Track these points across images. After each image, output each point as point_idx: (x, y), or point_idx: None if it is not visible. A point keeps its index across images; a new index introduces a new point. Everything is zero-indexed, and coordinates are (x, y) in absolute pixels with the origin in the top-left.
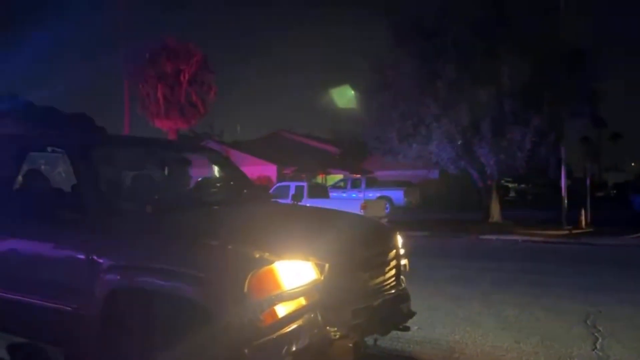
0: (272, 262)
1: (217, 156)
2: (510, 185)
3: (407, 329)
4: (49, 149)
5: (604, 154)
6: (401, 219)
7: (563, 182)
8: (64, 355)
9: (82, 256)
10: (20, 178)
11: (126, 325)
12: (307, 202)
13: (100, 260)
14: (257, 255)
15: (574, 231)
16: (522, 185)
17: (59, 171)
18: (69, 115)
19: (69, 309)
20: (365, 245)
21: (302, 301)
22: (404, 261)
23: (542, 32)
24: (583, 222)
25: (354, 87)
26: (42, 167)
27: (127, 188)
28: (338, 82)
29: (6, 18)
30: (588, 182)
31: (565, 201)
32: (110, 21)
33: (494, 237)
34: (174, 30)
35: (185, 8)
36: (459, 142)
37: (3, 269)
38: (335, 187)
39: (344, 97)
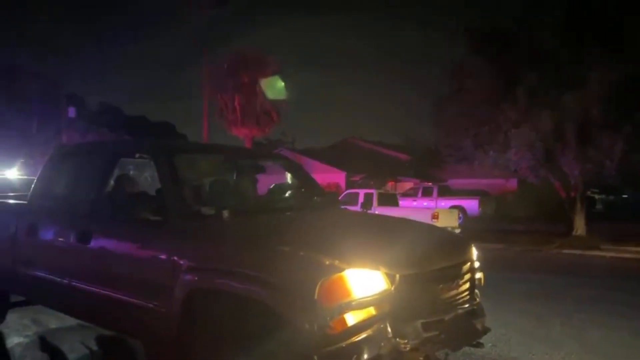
0: (342, 270)
1: (290, 163)
2: (597, 196)
3: (480, 345)
4: (137, 155)
5: None
6: (475, 230)
7: None
8: (144, 349)
9: (163, 257)
10: (112, 182)
11: (202, 325)
12: (376, 210)
13: (180, 262)
14: (328, 263)
15: None
16: (611, 197)
17: (146, 176)
18: (154, 124)
19: (151, 305)
20: (438, 256)
21: (371, 311)
22: (478, 275)
23: (635, 31)
24: None
25: (284, 79)
26: (131, 172)
27: (205, 193)
28: (409, 90)
29: (97, 33)
30: None
31: None
32: (193, 34)
33: (577, 251)
34: (251, 40)
35: (261, 18)
36: (540, 150)
37: (95, 265)
38: (405, 195)
39: (274, 88)
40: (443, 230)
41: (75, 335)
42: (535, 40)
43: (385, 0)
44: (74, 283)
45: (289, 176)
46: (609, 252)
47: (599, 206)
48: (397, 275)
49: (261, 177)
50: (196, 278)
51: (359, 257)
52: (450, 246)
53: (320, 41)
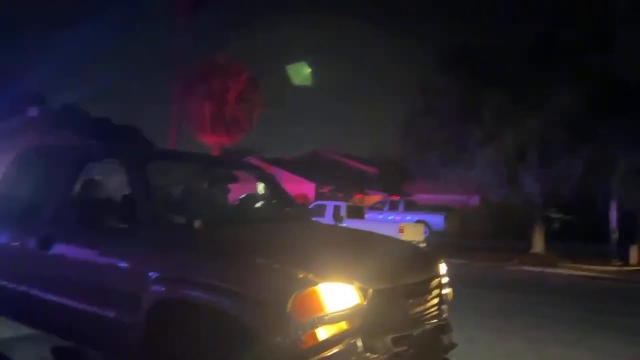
0: (316, 284)
1: (262, 173)
2: (554, 215)
3: None
4: (105, 159)
5: None
6: (440, 245)
7: (612, 216)
8: None
9: (130, 266)
10: (78, 187)
11: (169, 337)
12: (344, 222)
13: (148, 272)
14: (301, 276)
15: (624, 268)
16: (569, 217)
17: (113, 182)
18: (120, 127)
19: (113, 315)
20: (409, 271)
21: (343, 325)
22: (447, 290)
23: (600, 60)
24: (634, 259)
25: (310, 65)
26: (96, 177)
27: (175, 201)
28: (381, 103)
29: (62, 30)
30: None
31: (616, 235)
32: (163, 37)
33: (537, 268)
34: (224, 47)
35: (239, 26)
36: (503, 170)
37: (57, 273)
38: (372, 208)
39: (300, 74)
40: (414, 245)
41: (29, 345)
42: (501, 63)
43: (356, 10)
44: (33, 292)
45: (260, 186)
46: (566, 270)
47: (556, 225)
48: (370, 290)
49: (231, 186)
50: (164, 289)
51: (333, 271)
52: (421, 261)
53: (290, 48)
